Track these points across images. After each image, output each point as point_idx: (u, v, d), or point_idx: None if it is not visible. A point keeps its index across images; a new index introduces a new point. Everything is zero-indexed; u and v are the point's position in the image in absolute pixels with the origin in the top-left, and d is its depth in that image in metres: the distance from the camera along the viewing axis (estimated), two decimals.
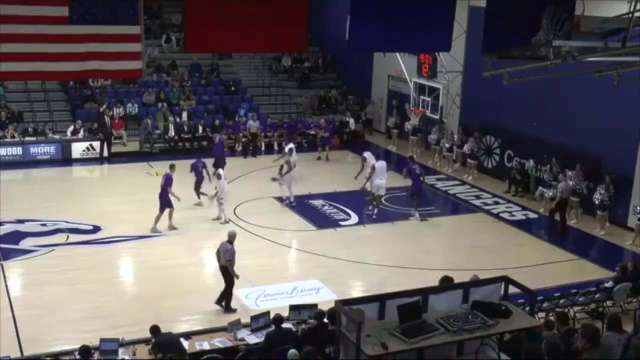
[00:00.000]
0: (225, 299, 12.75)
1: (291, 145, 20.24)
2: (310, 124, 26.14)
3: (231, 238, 12.84)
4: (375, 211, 18.35)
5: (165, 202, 16.57)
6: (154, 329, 10.04)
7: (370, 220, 18.24)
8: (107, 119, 23.40)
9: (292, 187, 18.94)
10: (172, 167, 17.16)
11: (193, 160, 18.88)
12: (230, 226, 16.45)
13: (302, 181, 20.54)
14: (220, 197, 17.22)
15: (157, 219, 16.58)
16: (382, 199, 18.69)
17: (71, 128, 23.21)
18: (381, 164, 18.58)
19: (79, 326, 11.99)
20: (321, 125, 24.90)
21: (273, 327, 10.13)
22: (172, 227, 16.73)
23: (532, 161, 20.15)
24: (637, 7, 8.67)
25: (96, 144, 22.90)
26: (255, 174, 20.92)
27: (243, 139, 24.27)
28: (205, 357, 9.88)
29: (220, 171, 17.64)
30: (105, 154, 22.96)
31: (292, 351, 8.72)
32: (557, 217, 17.82)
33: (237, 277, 12.86)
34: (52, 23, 9.02)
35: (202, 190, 18.43)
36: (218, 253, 12.89)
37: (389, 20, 9.05)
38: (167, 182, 16.57)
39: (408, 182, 19.04)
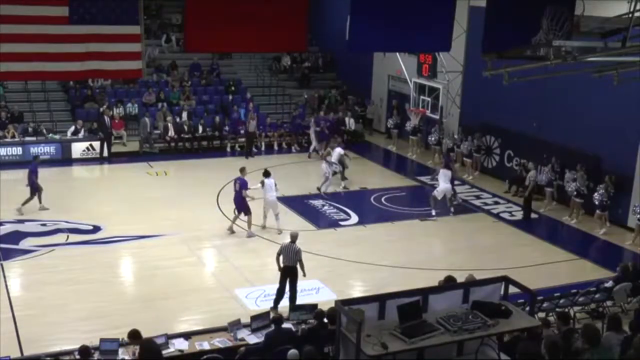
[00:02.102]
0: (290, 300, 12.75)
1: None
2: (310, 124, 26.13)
3: (294, 238, 12.82)
4: (452, 209, 18.70)
5: (242, 207, 16.32)
6: (133, 334, 9.61)
7: (370, 220, 18.25)
8: (107, 119, 23.40)
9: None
10: (243, 170, 16.74)
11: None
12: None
13: (301, 181, 20.54)
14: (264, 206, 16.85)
15: (249, 223, 16.45)
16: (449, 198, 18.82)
17: (72, 128, 23.22)
18: (444, 171, 18.68)
19: (79, 326, 11.98)
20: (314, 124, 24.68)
21: (273, 327, 10.13)
22: (250, 235, 16.47)
23: (532, 164, 20.03)
24: (637, 7, 8.67)
25: (96, 144, 22.91)
26: (253, 175, 20.90)
27: (241, 139, 24.23)
28: (205, 357, 9.88)
29: (267, 181, 16.67)
30: (105, 154, 22.96)
31: (292, 351, 8.73)
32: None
33: (305, 275, 12.91)
34: (52, 23, 9.02)
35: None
36: (279, 255, 12.78)
37: (389, 20, 9.04)
38: (243, 186, 16.23)
39: (408, 182, 19.10)
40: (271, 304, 12.77)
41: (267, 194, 16.68)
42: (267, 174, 16.95)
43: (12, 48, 8.89)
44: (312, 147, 24.18)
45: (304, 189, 20.31)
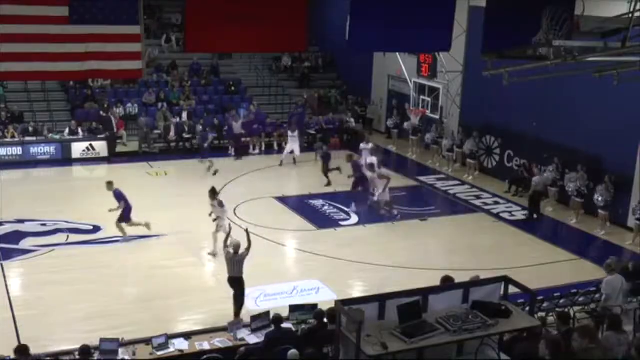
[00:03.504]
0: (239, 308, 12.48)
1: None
2: (310, 124, 26.13)
3: (237, 249, 12.41)
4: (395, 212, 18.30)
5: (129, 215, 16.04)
6: (20, 350, 9.22)
7: (370, 220, 18.23)
8: (112, 118, 23.47)
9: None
10: (110, 183, 16.36)
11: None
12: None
13: (301, 181, 20.50)
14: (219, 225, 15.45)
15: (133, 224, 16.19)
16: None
17: (67, 130, 23.19)
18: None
19: (79, 326, 11.99)
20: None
21: (273, 327, 10.14)
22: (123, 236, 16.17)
23: (537, 170, 19.90)
24: (637, 7, 8.67)
25: (96, 144, 22.90)
26: (249, 176, 20.95)
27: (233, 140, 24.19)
28: (205, 357, 9.89)
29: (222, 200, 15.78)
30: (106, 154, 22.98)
31: (293, 351, 8.73)
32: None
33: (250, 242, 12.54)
34: (52, 23, 9.00)
35: None
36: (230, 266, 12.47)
37: (389, 20, 9.04)
38: (120, 196, 15.97)
39: (408, 182, 19.10)
40: (268, 306, 12.65)
41: (225, 214, 15.52)
42: (215, 192, 15.67)
43: (12, 48, 8.87)
44: (290, 151, 23.14)
45: (303, 189, 20.30)
